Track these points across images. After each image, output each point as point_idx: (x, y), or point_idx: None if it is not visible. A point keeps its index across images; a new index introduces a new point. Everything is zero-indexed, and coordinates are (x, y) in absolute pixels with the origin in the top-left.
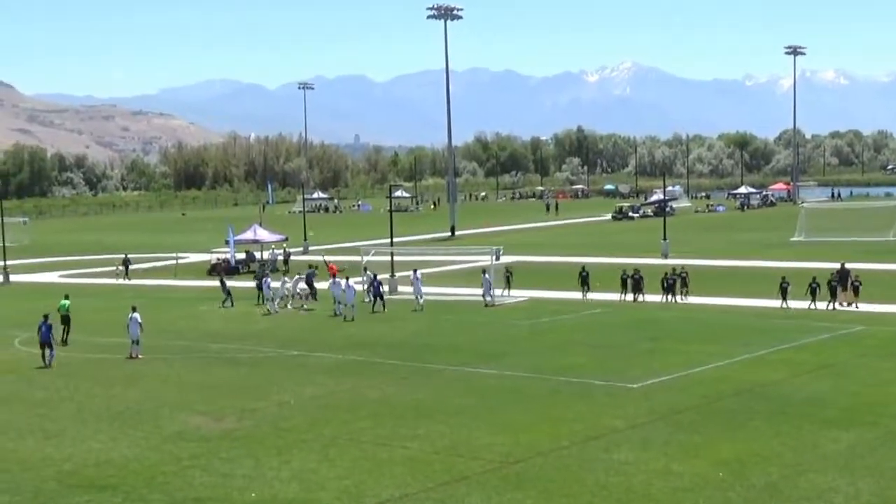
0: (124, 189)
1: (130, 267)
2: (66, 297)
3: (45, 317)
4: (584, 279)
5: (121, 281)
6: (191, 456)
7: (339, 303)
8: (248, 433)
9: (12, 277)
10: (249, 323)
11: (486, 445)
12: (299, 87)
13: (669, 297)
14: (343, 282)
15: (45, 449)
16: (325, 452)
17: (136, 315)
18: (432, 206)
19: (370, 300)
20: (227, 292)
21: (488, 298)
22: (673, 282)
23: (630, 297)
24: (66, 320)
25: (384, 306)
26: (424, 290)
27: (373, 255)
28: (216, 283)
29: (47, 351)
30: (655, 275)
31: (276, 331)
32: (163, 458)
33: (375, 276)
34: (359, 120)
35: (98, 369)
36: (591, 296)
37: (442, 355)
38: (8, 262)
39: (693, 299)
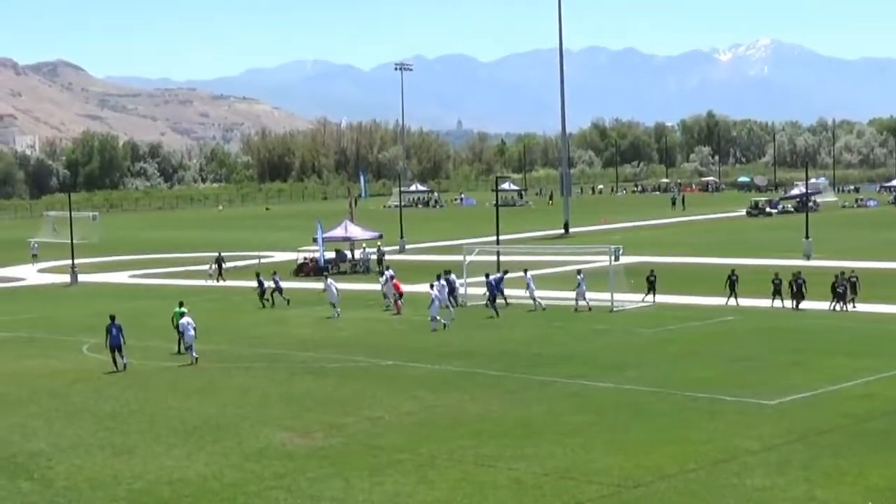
0: (202, 181)
1: (224, 266)
2: (181, 305)
3: (112, 318)
4: (733, 283)
5: (211, 283)
6: (274, 475)
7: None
8: (337, 451)
9: (80, 277)
10: (338, 329)
11: (603, 468)
12: (396, 69)
13: (840, 304)
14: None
15: (114, 466)
16: (421, 473)
17: (190, 319)
18: (548, 201)
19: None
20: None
21: (581, 303)
22: (844, 288)
23: (787, 303)
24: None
25: (496, 311)
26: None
27: (476, 254)
28: (304, 284)
29: (117, 355)
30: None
31: (368, 338)
32: (244, 477)
33: (450, 278)
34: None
35: (173, 379)
36: (734, 302)
37: (553, 366)
38: (76, 261)
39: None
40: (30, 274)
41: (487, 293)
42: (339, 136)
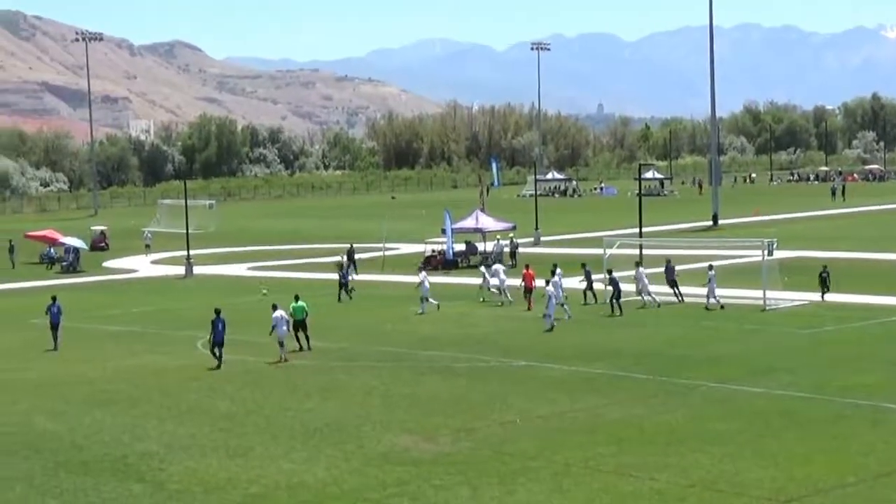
0: (325, 168)
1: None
2: (297, 299)
3: (218, 312)
4: None
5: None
6: (398, 482)
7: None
8: (465, 457)
9: (196, 269)
10: (468, 326)
11: (753, 480)
12: (532, 48)
13: None
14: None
15: (230, 469)
16: (556, 482)
17: (283, 313)
18: (698, 190)
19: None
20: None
21: (712, 300)
22: None
23: None
24: (301, 325)
25: (620, 309)
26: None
27: (617, 247)
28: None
29: (218, 350)
30: None
31: (499, 336)
32: (366, 482)
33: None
34: (603, 86)
35: (291, 378)
36: None
37: (699, 369)
38: (191, 252)
39: None
40: (143, 265)
41: (612, 289)
42: (470, 121)
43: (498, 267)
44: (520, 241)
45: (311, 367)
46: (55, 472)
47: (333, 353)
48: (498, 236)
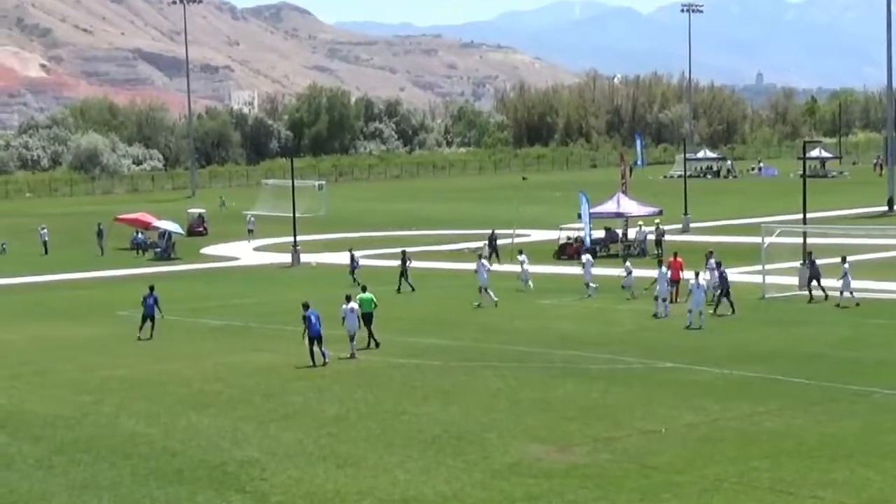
0: (448, 144)
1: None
2: (365, 290)
3: (306, 306)
4: None
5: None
6: (527, 496)
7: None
8: (602, 470)
9: (303, 257)
10: (607, 323)
11: None
12: (683, 10)
13: None
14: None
15: (338, 480)
16: (705, 500)
17: (354, 305)
18: (878, 171)
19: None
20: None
21: (846, 295)
22: None
23: None
24: (368, 318)
25: (732, 306)
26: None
27: (777, 235)
28: (565, 269)
29: (317, 347)
30: None
31: (642, 334)
32: (490, 496)
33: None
34: (763, 53)
35: (408, 378)
36: None
37: (871, 374)
38: (298, 238)
39: None
40: (245, 252)
41: (720, 285)
42: (611, 92)
43: (587, 258)
44: (666, 227)
45: (430, 367)
46: (145, 481)
47: (455, 352)
48: (641, 222)
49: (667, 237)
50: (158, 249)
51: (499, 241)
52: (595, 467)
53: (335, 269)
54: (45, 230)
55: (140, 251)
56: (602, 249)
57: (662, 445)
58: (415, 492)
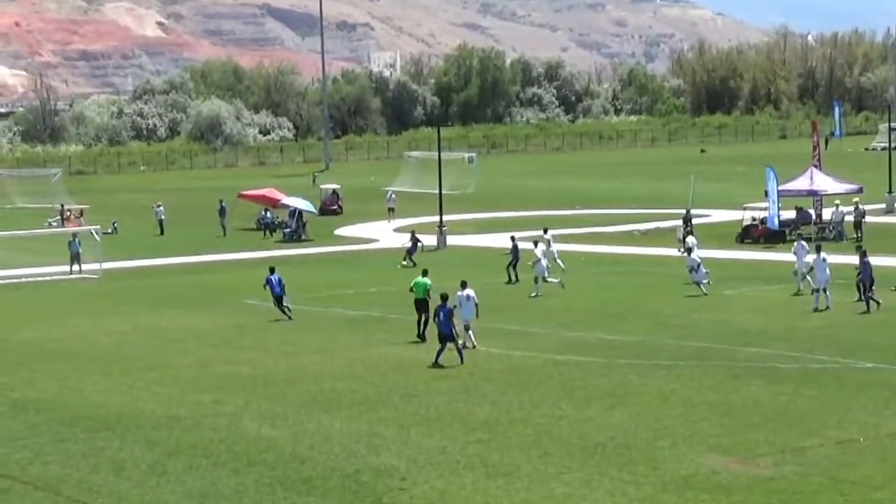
0: (616, 112)
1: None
2: (425, 274)
3: (445, 298)
4: None
5: (677, 252)
6: None
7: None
8: (790, 484)
9: (450, 239)
10: (798, 317)
11: None
12: None
13: None
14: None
15: (487, 490)
16: None
17: (470, 292)
18: None
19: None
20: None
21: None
22: None
23: None
24: (422, 306)
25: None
26: None
27: None
28: (753, 254)
29: (449, 345)
30: None
31: (839, 329)
32: None
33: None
34: None
35: (568, 378)
36: None
37: None
38: (445, 218)
39: None
40: (384, 233)
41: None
42: (804, 53)
43: (691, 239)
44: (867, 207)
45: (593, 364)
46: (271, 490)
47: (623, 348)
48: (838, 201)
49: (868, 218)
50: (288, 230)
51: (673, 224)
52: (782, 481)
53: (489, 252)
54: (161, 208)
55: (267, 232)
56: (792, 232)
57: (860, 457)
58: None
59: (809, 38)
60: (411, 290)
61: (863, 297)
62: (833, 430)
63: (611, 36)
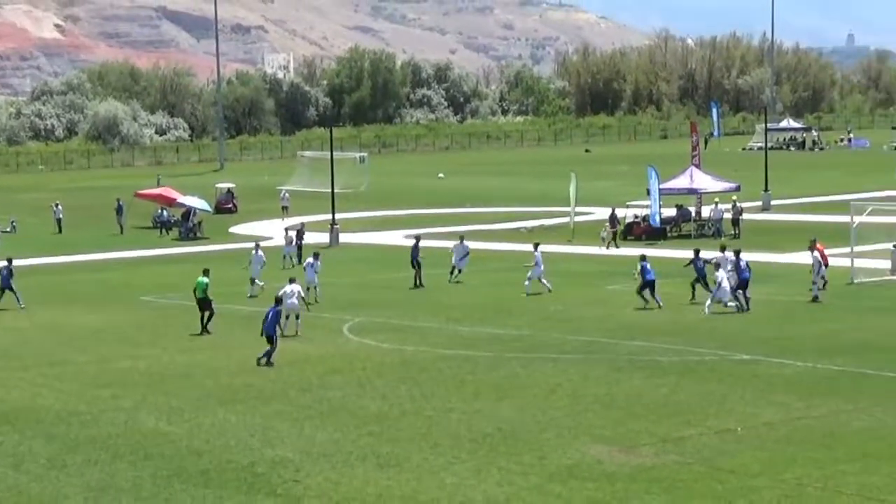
0: (503, 113)
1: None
2: (206, 274)
3: (278, 301)
4: None
5: (602, 250)
6: (588, 501)
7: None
8: (671, 473)
9: (342, 237)
10: (679, 311)
11: None
12: None
13: None
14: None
15: (379, 482)
16: None
17: (296, 287)
18: None
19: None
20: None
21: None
22: None
23: None
24: (204, 304)
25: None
26: None
27: (869, 213)
28: (634, 250)
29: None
30: None
31: (718, 323)
32: (547, 501)
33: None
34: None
35: (458, 372)
36: None
37: None
38: (337, 216)
39: None
40: (278, 231)
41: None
42: (684, 56)
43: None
44: (745, 205)
45: (482, 358)
46: (168, 483)
47: (511, 343)
48: (717, 199)
49: (745, 216)
50: (183, 228)
51: (559, 221)
52: (663, 470)
53: (380, 249)
54: (60, 207)
55: (163, 230)
56: (673, 229)
57: (738, 446)
58: (463, 496)
59: (689, 41)
60: (194, 290)
61: (694, 296)
62: (712, 420)
63: (498, 39)
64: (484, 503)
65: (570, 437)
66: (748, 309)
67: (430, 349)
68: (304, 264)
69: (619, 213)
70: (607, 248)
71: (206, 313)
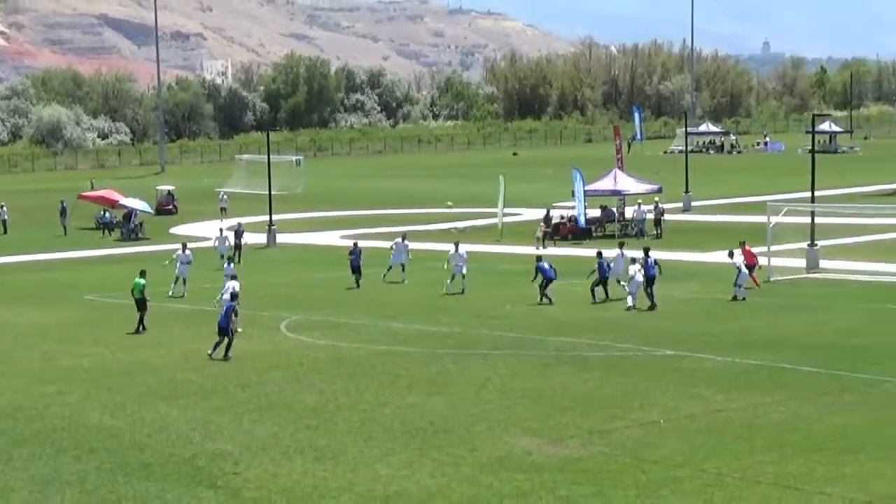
0: (434, 118)
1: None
2: (142, 275)
3: (234, 297)
4: None
5: (539, 250)
6: (517, 492)
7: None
8: (597, 464)
9: (279, 237)
10: (604, 308)
11: None
12: None
13: None
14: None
15: (316, 474)
16: (706, 496)
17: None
18: None
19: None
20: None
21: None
22: None
23: None
24: (141, 304)
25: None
26: (856, 265)
27: (784, 214)
28: (560, 250)
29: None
30: None
31: (641, 320)
32: (478, 493)
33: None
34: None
35: (392, 367)
36: None
37: (883, 362)
38: (275, 217)
39: None
40: (217, 232)
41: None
42: (608, 62)
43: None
44: (666, 206)
45: (415, 354)
46: (112, 476)
47: (443, 339)
48: (640, 201)
49: (667, 216)
50: (125, 229)
51: (488, 222)
52: (589, 461)
53: (316, 249)
54: (5, 208)
55: (106, 231)
56: (598, 230)
57: (661, 438)
58: (397, 487)
59: (613, 48)
60: (132, 291)
61: (605, 295)
62: (636, 413)
63: (429, 46)
64: (417, 494)
65: (500, 429)
66: (655, 305)
67: (365, 346)
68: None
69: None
70: (543, 247)
71: (142, 313)
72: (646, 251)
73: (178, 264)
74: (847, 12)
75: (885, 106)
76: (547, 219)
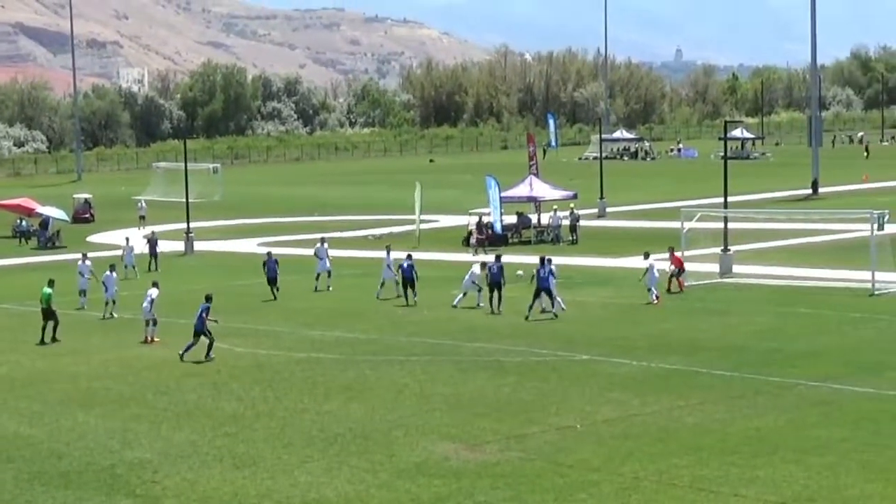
0: (351, 125)
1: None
2: (50, 284)
3: (208, 298)
4: None
5: (472, 256)
6: (435, 497)
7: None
8: (514, 469)
9: (197, 245)
10: (521, 314)
11: (857, 496)
12: None
13: None
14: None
15: (235, 481)
16: (623, 498)
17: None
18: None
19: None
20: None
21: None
22: None
23: None
24: (48, 314)
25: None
26: (768, 270)
27: (698, 220)
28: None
29: (203, 339)
30: None
31: (557, 325)
32: (396, 498)
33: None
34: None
35: (310, 374)
36: None
37: (794, 365)
38: (192, 225)
39: None
40: (136, 240)
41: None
42: (523, 70)
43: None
44: (582, 212)
45: (333, 361)
46: (29, 485)
47: (360, 346)
48: (555, 207)
49: (582, 222)
50: (42, 237)
51: (406, 229)
52: (507, 466)
53: (234, 256)
54: None
55: (23, 239)
56: (514, 236)
57: (578, 442)
58: (316, 493)
59: (527, 56)
60: (40, 300)
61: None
62: (553, 417)
63: (345, 54)
64: (335, 500)
65: (417, 435)
66: (556, 311)
67: (283, 352)
68: (103, 277)
69: (464, 219)
70: (476, 254)
71: (52, 322)
72: (542, 260)
73: (78, 276)
74: (757, 22)
75: (795, 112)
76: (479, 225)
